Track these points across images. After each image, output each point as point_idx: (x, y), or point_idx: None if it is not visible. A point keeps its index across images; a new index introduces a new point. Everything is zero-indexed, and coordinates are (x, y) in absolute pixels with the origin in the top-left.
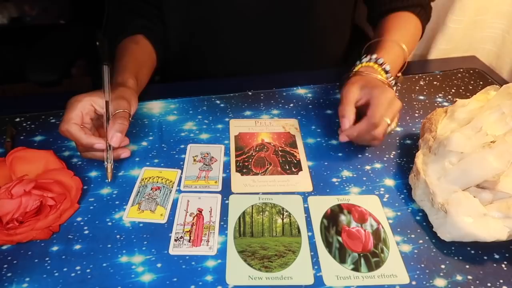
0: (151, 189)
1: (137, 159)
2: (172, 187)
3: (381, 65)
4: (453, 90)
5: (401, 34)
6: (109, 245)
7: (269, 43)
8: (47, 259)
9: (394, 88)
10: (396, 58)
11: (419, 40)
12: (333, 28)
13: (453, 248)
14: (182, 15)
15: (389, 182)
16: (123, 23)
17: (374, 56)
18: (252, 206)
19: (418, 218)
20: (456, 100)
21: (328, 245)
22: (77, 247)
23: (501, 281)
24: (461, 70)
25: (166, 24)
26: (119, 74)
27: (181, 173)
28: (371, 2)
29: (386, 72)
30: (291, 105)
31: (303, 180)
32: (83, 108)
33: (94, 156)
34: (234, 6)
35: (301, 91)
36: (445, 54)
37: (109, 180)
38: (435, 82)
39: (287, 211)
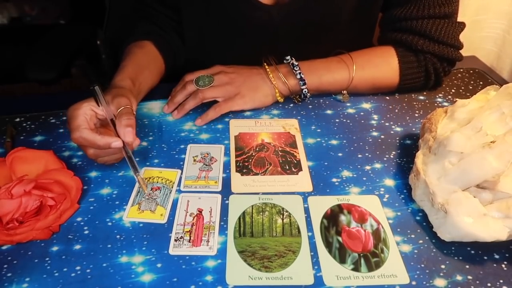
0: (151, 189)
1: (137, 159)
2: (172, 187)
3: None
4: (453, 90)
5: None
6: (109, 245)
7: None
8: (47, 259)
9: (304, 99)
10: (324, 70)
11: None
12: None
13: (453, 248)
14: (195, 26)
15: (389, 182)
16: (133, 29)
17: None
18: (252, 206)
19: (418, 218)
20: (456, 100)
21: (328, 245)
22: (77, 247)
23: (501, 281)
24: (461, 70)
25: (184, 36)
26: (114, 76)
27: (181, 173)
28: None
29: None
30: (291, 105)
31: (303, 180)
32: (85, 114)
33: (110, 159)
34: (246, 19)
35: None
36: None
37: (146, 192)
38: None
39: (287, 211)
